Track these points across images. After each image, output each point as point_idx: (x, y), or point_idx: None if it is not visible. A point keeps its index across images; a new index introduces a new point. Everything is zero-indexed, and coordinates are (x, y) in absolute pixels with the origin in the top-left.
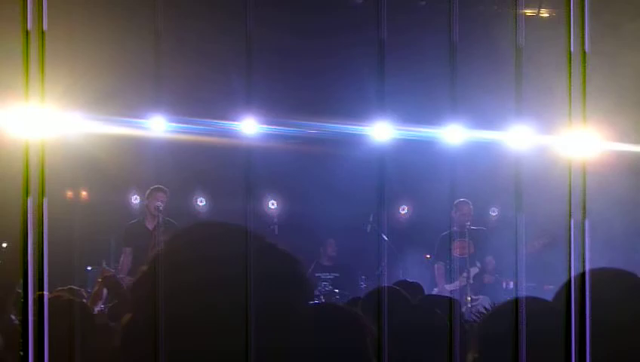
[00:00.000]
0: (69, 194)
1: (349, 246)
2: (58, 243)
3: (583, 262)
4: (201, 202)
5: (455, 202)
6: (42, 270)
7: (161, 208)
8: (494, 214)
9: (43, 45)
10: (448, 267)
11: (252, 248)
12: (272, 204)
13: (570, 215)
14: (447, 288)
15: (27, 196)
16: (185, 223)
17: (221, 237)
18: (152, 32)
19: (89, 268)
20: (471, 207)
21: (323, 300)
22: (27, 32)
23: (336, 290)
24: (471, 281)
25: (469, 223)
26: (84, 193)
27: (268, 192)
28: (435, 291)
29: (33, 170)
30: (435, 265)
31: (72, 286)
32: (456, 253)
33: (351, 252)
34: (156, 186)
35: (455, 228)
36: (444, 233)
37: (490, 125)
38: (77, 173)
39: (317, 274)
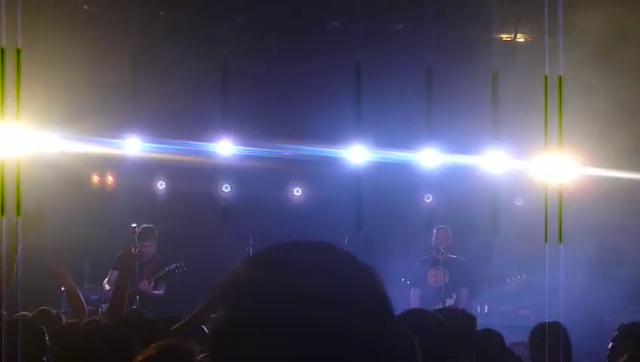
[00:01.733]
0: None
1: None
2: (32, 263)
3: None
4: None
5: (435, 228)
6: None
7: (153, 251)
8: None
9: (18, 62)
10: (423, 294)
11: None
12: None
13: (546, 239)
14: None
15: (2, 214)
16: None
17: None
18: (129, 55)
19: (62, 288)
20: (449, 232)
21: None
22: (2, 50)
23: None
24: None
25: (443, 249)
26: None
27: (243, 213)
28: None
29: (8, 188)
30: (412, 291)
31: (43, 308)
32: (431, 280)
33: None
34: (145, 226)
35: (432, 254)
36: (422, 258)
37: (466, 149)
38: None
39: None
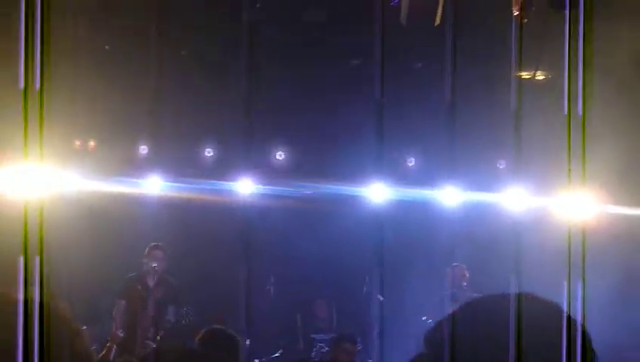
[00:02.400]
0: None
1: (344, 307)
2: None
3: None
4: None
5: (451, 266)
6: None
7: (156, 268)
8: None
9: (42, 103)
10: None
11: None
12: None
13: (569, 278)
14: None
15: (26, 256)
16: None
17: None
18: (151, 91)
19: (84, 327)
20: (465, 270)
21: (318, 361)
22: (26, 90)
23: None
24: None
25: (464, 285)
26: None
27: (265, 250)
28: None
29: (32, 229)
30: None
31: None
32: None
33: (347, 313)
34: (154, 244)
35: (451, 291)
36: (446, 292)
37: (487, 187)
38: (75, 232)
39: (312, 336)
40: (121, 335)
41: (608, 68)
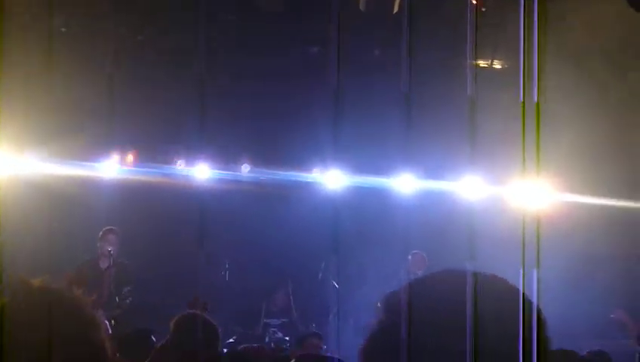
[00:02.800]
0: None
1: (300, 292)
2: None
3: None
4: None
5: (410, 253)
6: None
7: (112, 252)
8: None
9: None
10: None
11: None
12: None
13: (523, 266)
14: None
15: None
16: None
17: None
18: (105, 76)
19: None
20: (424, 257)
21: (273, 346)
22: None
23: (287, 338)
24: None
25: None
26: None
27: (221, 235)
28: None
29: None
30: None
31: None
32: None
33: (302, 299)
34: (108, 228)
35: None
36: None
37: (442, 175)
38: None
39: (265, 321)
40: None
41: (566, 55)
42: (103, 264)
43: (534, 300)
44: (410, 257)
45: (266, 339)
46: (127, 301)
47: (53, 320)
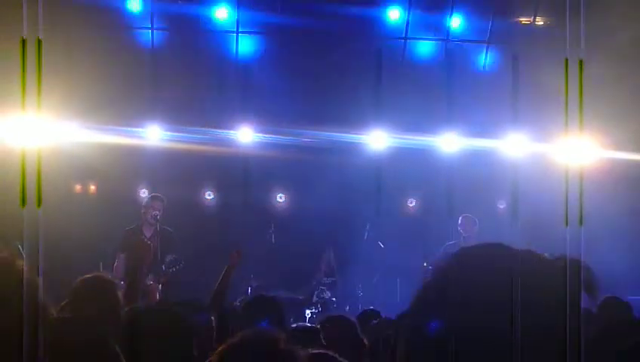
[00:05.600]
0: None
1: (345, 254)
2: (54, 253)
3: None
4: (209, 196)
5: (460, 216)
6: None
7: (158, 217)
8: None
9: (40, 53)
10: None
11: None
12: (281, 197)
13: (567, 222)
14: None
15: (24, 205)
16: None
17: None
18: (147, 45)
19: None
20: (474, 220)
21: (320, 308)
22: (24, 40)
23: (334, 299)
24: None
25: (465, 236)
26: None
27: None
28: None
29: (30, 179)
30: None
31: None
32: None
33: (348, 260)
34: (154, 195)
35: (458, 241)
36: (450, 242)
37: (486, 133)
38: (72, 182)
39: (315, 281)
40: (122, 285)
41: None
42: (147, 231)
43: (580, 257)
44: (460, 219)
45: (314, 298)
46: (173, 269)
47: None
